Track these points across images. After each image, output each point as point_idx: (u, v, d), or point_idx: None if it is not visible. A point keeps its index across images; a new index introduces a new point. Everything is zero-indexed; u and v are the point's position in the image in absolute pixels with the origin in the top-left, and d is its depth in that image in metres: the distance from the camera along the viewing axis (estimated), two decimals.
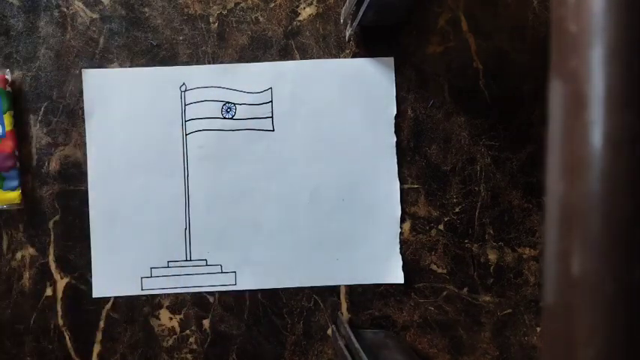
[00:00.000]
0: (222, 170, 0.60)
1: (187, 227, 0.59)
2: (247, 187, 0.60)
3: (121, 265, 0.59)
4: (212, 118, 0.59)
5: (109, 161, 0.59)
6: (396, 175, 0.60)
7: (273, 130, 0.60)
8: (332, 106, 0.60)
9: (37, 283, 0.58)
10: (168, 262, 0.59)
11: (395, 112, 0.60)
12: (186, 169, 0.59)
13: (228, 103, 0.59)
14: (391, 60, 0.60)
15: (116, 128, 0.59)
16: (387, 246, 0.60)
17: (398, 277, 0.60)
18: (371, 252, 0.60)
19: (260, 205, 0.60)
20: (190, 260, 0.59)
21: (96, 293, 0.58)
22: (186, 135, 0.59)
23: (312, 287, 0.60)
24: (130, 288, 0.59)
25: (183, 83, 0.59)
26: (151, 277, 0.59)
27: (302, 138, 0.60)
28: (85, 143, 0.59)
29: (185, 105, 0.59)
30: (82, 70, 0.59)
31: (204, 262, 0.59)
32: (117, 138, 0.59)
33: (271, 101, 0.60)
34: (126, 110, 0.59)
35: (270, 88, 0.60)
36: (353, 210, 0.60)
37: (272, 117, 0.60)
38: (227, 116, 0.59)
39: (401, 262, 0.59)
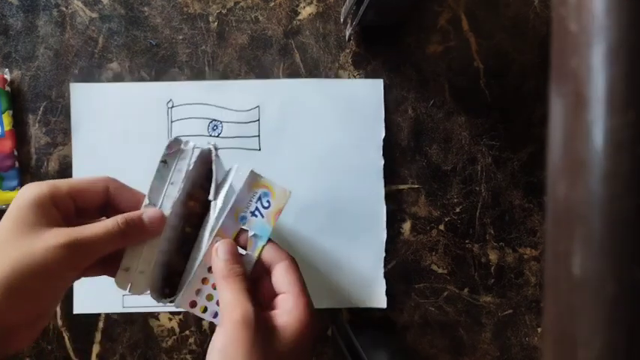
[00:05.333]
0: None
1: None
2: None
3: (102, 280, 0.57)
4: (198, 136, 0.58)
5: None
6: (383, 198, 0.59)
7: (260, 150, 0.58)
8: (320, 127, 0.59)
9: None
10: None
11: (383, 135, 0.59)
12: None
13: (215, 120, 0.58)
14: (380, 82, 0.59)
15: (103, 143, 0.58)
16: (371, 270, 0.58)
17: (381, 302, 0.58)
18: (355, 275, 0.58)
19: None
20: None
21: (77, 309, 0.57)
22: None
23: None
24: (111, 305, 0.57)
25: (170, 99, 0.58)
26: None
27: (288, 159, 0.58)
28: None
29: (171, 122, 0.58)
30: (70, 84, 0.58)
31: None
32: (103, 153, 0.58)
33: (258, 120, 0.58)
34: (113, 125, 0.58)
35: (258, 106, 0.58)
36: (338, 233, 0.58)
37: (259, 136, 0.58)
38: (213, 134, 0.58)
39: (384, 287, 0.58)
